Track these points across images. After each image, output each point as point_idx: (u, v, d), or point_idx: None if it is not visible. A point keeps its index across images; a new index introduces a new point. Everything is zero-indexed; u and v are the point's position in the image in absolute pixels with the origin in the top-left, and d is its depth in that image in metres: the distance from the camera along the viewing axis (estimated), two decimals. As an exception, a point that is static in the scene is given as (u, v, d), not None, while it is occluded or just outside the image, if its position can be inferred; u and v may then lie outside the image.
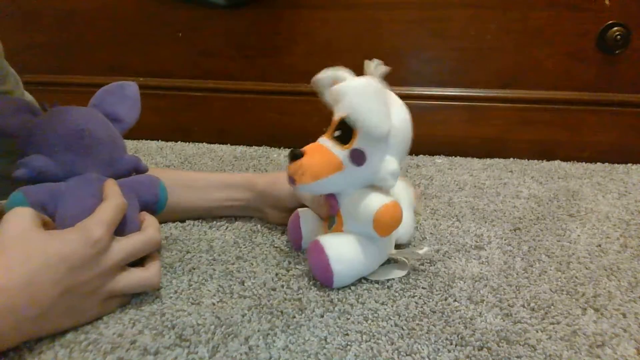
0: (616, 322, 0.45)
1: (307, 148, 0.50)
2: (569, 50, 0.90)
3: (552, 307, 0.47)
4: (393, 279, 0.52)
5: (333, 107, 0.53)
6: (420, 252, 0.52)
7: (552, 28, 0.90)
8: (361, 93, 0.47)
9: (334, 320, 0.45)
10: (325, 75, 0.53)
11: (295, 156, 0.49)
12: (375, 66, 0.50)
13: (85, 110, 0.54)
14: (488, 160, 0.94)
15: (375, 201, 0.49)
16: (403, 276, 0.52)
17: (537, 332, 0.44)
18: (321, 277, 0.50)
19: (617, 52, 0.88)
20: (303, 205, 0.59)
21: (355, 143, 0.48)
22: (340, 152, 0.49)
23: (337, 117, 0.50)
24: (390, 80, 0.56)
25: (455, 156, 0.96)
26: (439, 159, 0.94)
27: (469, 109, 0.96)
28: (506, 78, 0.94)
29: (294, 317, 0.45)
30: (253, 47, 1.01)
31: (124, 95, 0.59)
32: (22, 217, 0.42)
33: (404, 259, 0.54)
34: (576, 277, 0.53)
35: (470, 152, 0.97)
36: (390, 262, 0.55)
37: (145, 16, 1.03)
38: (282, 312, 0.46)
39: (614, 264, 0.56)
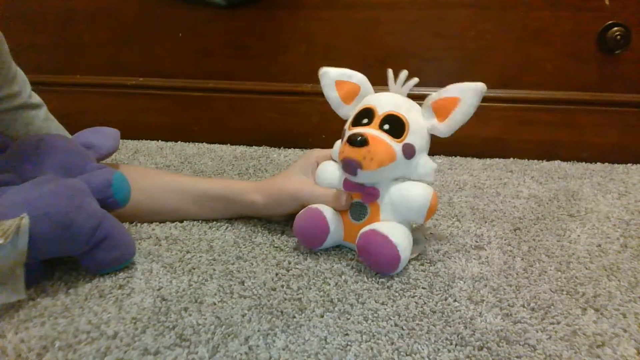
0: (616, 322, 0.45)
1: (368, 135, 0.51)
2: (569, 50, 0.90)
3: (552, 307, 0.47)
4: (393, 279, 0.52)
5: (342, 105, 0.58)
6: (427, 225, 0.60)
7: (552, 28, 0.90)
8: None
9: (334, 320, 0.45)
10: (335, 69, 0.58)
11: (363, 141, 0.50)
12: (404, 81, 0.55)
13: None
14: (488, 160, 0.94)
15: (427, 189, 0.53)
16: (403, 275, 0.53)
17: (537, 332, 0.44)
18: (387, 266, 0.51)
19: (617, 52, 0.89)
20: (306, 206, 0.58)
21: (408, 138, 0.52)
22: (394, 144, 0.52)
23: (382, 111, 0.53)
24: (380, 81, 0.57)
25: (455, 156, 0.96)
26: (439, 159, 0.94)
27: (469, 109, 0.96)
28: (506, 78, 0.94)
29: (294, 317, 0.45)
30: (253, 47, 1.01)
31: (100, 131, 0.65)
32: None
33: (422, 236, 0.59)
34: (576, 277, 0.53)
35: (470, 152, 0.97)
36: None
37: (145, 16, 1.03)
38: (282, 312, 0.46)
39: (614, 264, 0.56)
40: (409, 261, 0.55)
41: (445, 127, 0.54)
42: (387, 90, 0.56)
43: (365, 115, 0.54)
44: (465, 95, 0.53)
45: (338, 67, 0.58)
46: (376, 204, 0.54)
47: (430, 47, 0.95)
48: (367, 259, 0.53)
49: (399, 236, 0.51)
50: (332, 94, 0.58)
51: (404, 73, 0.55)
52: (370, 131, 0.52)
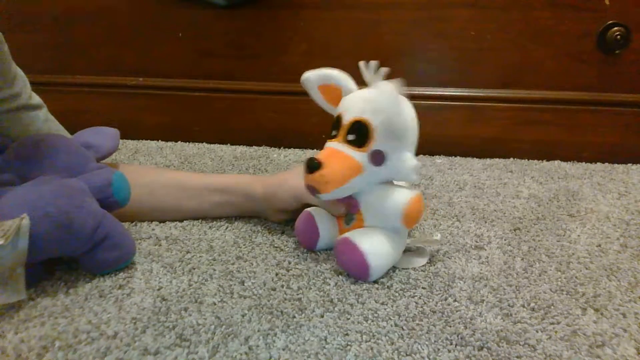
0: (616, 322, 0.45)
1: (323, 156, 0.50)
2: (569, 50, 0.90)
3: (552, 307, 0.47)
4: (393, 279, 0.52)
5: (332, 109, 0.55)
6: (437, 237, 0.56)
7: (552, 28, 0.90)
8: (391, 98, 0.48)
9: (334, 320, 0.45)
10: (314, 74, 0.55)
11: (314, 166, 0.49)
12: (376, 70, 0.51)
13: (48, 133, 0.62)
14: (488, 160, 0.94)
15: (402, 195, 0.51)
16: (403, 275, 0.53)
17: (537, 332, 0.44)
18: (357, 273, 0.51)
19: (617, 52, 0.88)
20: (308, 205, 0.58)
21: (374, 145, 0.50)
22: (358, 155, 0.50)
23: (347, 120, 0.51)
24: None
25: (455, 156, 0.96)
26: (439, 159, 0.94)
27: (469, 109, 0.96)
28: (506, 78, 0.94)
29: (294, 317, 0.45)
30: (253, 47, 1.01)
31: (99, 131, 0.64)
32: None
33: (423, 247, 0.57)
34: (576, 277, 0.53)
35: (470, 152, 0.97)
36: (406, 251, 0.56)
37: (145, 16, 1.03)
38: (282, 312, 0.46)
39: (614, 264, 0.56)
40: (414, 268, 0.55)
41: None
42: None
43: (335, 126, 0.53)
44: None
45: (319, 69, 0.55)
46: (359, 210, 0.54)
47: (430, 47, 0.95)
48: (341, 267, 0.53)
49: (369, 243, 0.50)
50: (318, 99, 0.57)
51: (372, 62, 0.51)
52: (332, 147, 0.51)
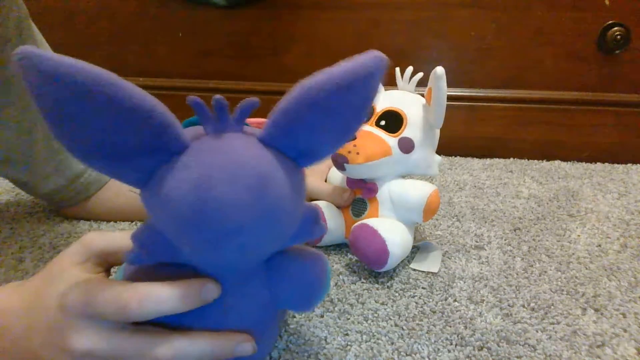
0: (616, 322, 0.45)
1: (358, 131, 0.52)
2: (569, 50, 0.90)
3: (552, 307, 0.47)
4: (393, 279, 0.52)
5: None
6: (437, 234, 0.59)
7: (552, 28, 0.90)
8: (440, 84, 0.49)
9: (334, 320, 0.45)
10: None
11: None
12: (411, 76, 0.55)
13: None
14: (488, 160, 0.94)
15: (426, 188, 0.52)
16: (403, 276, 0.53)
17: (537, 332, 0.44)
18: (375, 260, 0.50)
19: (617, 52, 0.88)
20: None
21: (405, 132, 0.52)
22: (389, 139, 0.52)
23: (380, 109, 0.54)
24: (391, 80, 0.57)
25: (455, 156, 0.96)
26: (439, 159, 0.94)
27: (469, 109, 0.96)
28: (506, 78, 0.94)
29: (294, 317, 0.45)
30: (253, 47, 1.01)
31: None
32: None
33: (432, 243, 0.58)
34: (576, 277, 0.53)
35: (470, 152, 0.97)
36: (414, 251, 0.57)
37: (145, 16, 1.03)
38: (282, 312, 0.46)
39: (614, 264, 0.56)
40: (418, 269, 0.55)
41: (432, 119, 0.52)
42: (396, 89, 0.57)
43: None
44: (433, 82, 0.50)
45: None
46: (375, 199, 0.54)
47: (430, 47, 0.95)
48: (356, 253, 0.52)
49: (389, 231, 0.50)
50: None
51: (409, 69, 0.56)
52: (363, 127, 0.53)
